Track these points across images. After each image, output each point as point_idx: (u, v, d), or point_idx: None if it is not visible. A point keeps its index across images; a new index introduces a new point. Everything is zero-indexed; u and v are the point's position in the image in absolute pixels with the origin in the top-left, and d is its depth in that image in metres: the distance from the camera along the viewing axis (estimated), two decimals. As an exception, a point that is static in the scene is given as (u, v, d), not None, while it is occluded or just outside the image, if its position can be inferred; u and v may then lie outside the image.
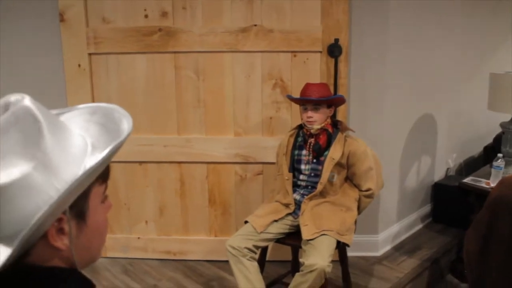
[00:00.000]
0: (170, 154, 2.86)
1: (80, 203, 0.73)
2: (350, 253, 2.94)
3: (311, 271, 2.03)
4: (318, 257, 2.06)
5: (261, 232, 2.28)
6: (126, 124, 0.76)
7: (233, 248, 2.22)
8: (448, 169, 3.55)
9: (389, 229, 3.08)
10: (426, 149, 3.33)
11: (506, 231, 1.68)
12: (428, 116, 3.22)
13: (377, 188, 2.43)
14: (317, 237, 2.17)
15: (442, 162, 3.50)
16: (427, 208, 3.43)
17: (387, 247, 3.06)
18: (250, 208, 2.74)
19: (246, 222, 2.35)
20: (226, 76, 2.75)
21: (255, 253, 2.26)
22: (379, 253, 2.99)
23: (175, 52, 2.72)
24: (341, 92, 2.69)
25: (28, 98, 0.69)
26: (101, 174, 0.77)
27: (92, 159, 0.71)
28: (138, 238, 3.01)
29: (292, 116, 2.76)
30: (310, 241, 2.17)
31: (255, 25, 2.66)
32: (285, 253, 2.70)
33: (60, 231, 0.70)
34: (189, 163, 2.87)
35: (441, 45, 3.19)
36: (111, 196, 3.02)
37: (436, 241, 3.15)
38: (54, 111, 0.81)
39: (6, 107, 0.69)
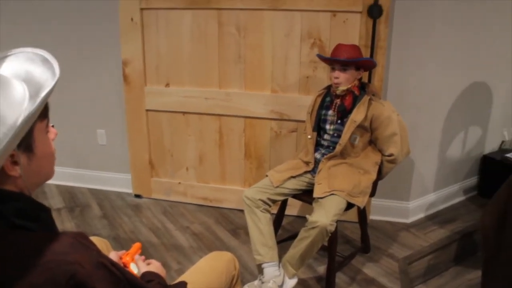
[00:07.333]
0: (210, 107, 3.01)
1: (26, 139, 0.90)
2: (379, 217, 2.97)
3: (313, 228, 2.10)
4: (323, 215, 2.12)
5: (277, 187, 2.38)
6: (55, 75, 0.91)
7: (248, 199, 2.35)
8: (503, 142, 3.35)
9: (424, 198, 3.01)
10: (477, 120, 3.15)
11: None
12: (481, 84, 3.03)
13: (401, 154, 2.40)
14: (327, 196, 2.23)
15: (495, 134, 3.30)
16: (472, 181, 3.30)
17: (420, 215, 3.01)
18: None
19: (267, 175, 2.46)
20: (266, 34, 2.80)
21: (269, 205, 2.37)
22: (409, 220, 2.96)
23: (218, 9, 2.81)
24: (379, 55, 2.63)
25: None
26: (41, 113, 0.92)
27: (30, 105, 0.87)
28: (179, 183, 3.24)
29: (328, 76, 2.76)
30: (319, 199, 2.23)
31: (295, -17, 2.66)
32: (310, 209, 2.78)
33: (15, 163, 0.89)
34: (228, 116, 3.01)
35: (498, 7, 2.92)
36: (157, 143, 3.44)
37: (476, 215, 3.02)
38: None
39: None
